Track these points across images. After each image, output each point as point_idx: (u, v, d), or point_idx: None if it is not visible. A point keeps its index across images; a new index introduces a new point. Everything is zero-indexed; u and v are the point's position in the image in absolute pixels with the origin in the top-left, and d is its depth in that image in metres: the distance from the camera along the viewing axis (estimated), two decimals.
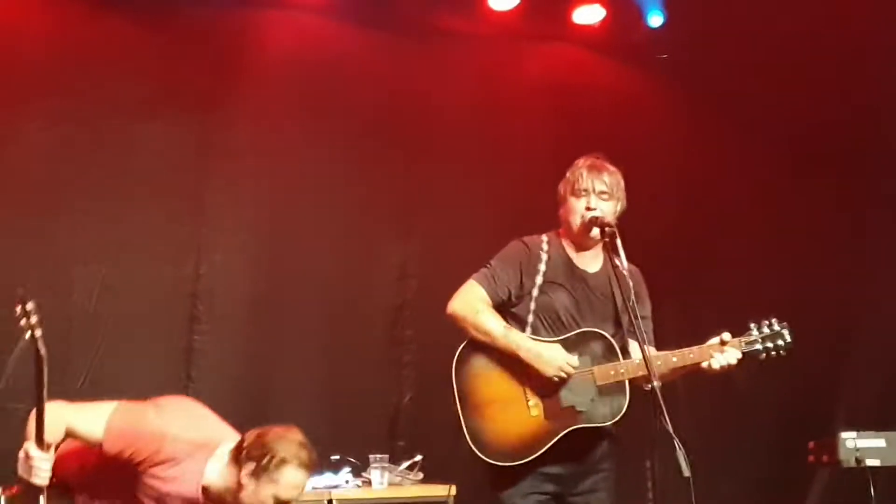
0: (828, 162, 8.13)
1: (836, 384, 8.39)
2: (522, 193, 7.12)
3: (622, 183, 4.08)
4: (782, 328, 3.94)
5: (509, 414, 3.89)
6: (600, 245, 4.05)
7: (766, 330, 3.93)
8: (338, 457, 5.97)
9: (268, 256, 7.38)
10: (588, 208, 3.99)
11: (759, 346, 3.92)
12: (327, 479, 5.83)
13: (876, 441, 5.10)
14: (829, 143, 8.10)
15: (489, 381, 3.92)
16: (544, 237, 4.09)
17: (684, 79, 8.16)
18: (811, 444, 5.46)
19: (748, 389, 7.82)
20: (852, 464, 5.10)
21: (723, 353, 3.90)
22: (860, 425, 5.38)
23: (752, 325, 3.95)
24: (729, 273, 8.00)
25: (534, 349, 3.84)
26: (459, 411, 3.89)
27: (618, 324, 4.01)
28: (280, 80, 7.33)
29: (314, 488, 5.70)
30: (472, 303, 3.92)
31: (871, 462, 5.08)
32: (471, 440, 3.86)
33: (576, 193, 4.03)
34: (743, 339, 3.95)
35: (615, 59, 8.25)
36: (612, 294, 4.02)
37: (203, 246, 7.19)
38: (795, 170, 8.20)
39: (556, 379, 3.82)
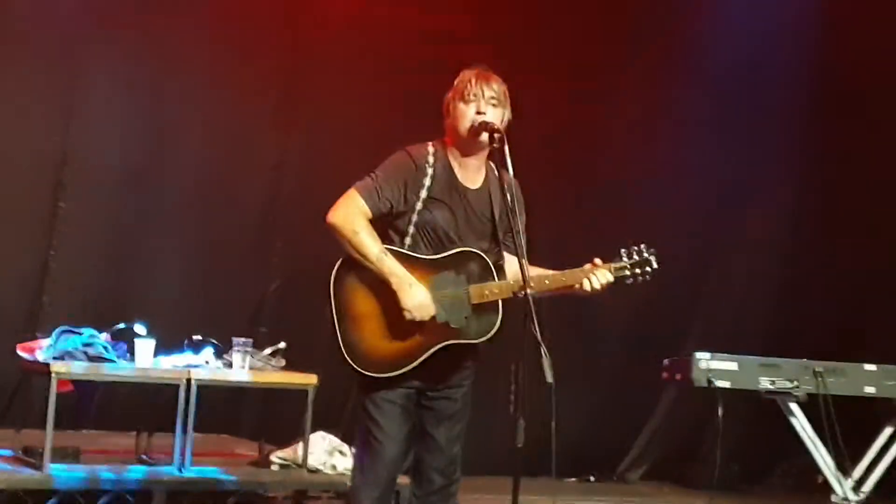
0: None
1: (694, 307, 8.69)
2: (407, 100, 7.05)
3: (507, 93, 4.07)
4: (650, 254, 4.01)
5: (385, 327, 3.91)
6: (484, 157, 4.05)
7: (635, 256, 4.02)
8: (200, 337, 5.91)
9: (142, 131, 7.21)
10: (479, 112, 3.97)
11: (627, 272, 4.01)
12: (187, 357, 5.78)
13: (728, 364, 5.30)
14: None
15: (366, 294, 3.92)
16: (430, 148, 4.05)
17: None
18: (665, 362, 5.64)
19: (609, 306, 8.07)
20: (703, 384, 5.29)
21: (593, 276, 3.98)
22: (711, 348, 5.56)
23: (622, 251, 4.03)
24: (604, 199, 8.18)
25: (403, 282, 3.87)
26: (336, 322, 3.90)
27: (494, 241, 4.05)
28: None
29: (174, 366, 5.66)
30: (351, 218, 3.88)
31: (722, 384, 5.28)
32: (345, 351, 3.88)
33: (465, 99, 3.99)
34: (613, 264, 4.02)
35: None
36: (492, 211, 4.05)
37: (75, 112, 6.97)
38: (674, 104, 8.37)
39: (406, 317, 3.86)
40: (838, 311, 8.32)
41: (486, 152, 4.05)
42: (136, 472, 5.55)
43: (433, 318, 3.89)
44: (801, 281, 8.55)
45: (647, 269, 4.01)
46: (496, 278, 3.94)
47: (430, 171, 3.98)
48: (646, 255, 4.01)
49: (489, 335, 3.92)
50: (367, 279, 3.92)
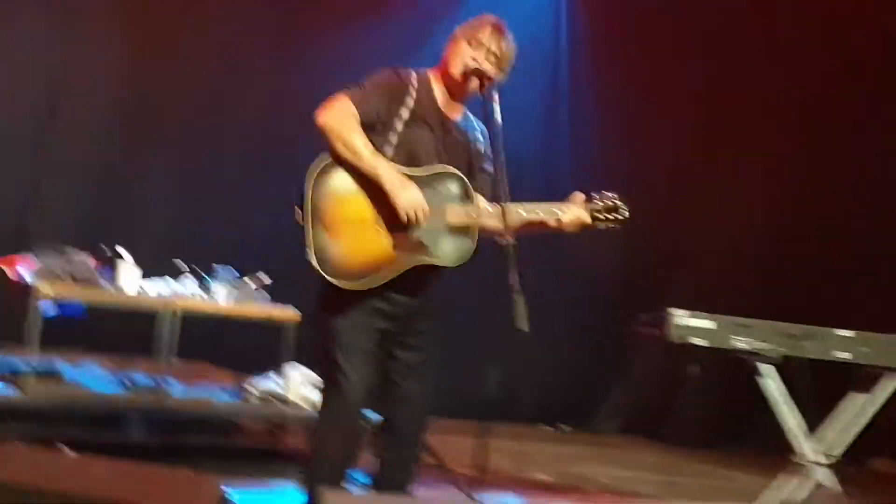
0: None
1: (677, 267, 8.76)
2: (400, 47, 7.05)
3: (513, 59, 4.05)
4: (623, 203, 4.02)
5: (359, 237, 3.83)
6: (464, 100, 4.04)
7: (609, 202, 4.03)
8: (185, 264, 5.94)
9: (136, 61, 7.22)
10: (474, 59, 3.96)
11: (601, 216, 4.03)
12: (172, 285, 5.81)
13: (704, 322, 5.33)
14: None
15: (344, 201, 3.83)
16: (414, 73, 4.03)
17: None
18: (642, 317, 5.67)
19: (591, 258, 8.14)
20: (678, 340, 5.32)
21: (569, 212, 3.98)
22: (691, 307, 5.62)
23: (596, 197, 4.05)
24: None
25: (397, 182, 3.83)
26: (309, 225, 3.83)
27: (470, 174, 4.04)
28: None
29: (159, 294, 5.70)
30: (345, 118, 3.81)
31: (697, 341, 5.32)
32: (315, 256, 3.83)
33: (471, 41, 3.97)
34: (589, 205, 4.04)
35: None
36: (469, 146, 4.04)
37: (70, 40, 6.99)
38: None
39: (403, 218, 3.83)
40: (821, 280, 8.39)
41: (467, 96, 4.04)
42: (116, 394, 5.61)
43: (408, 234, 3.87)
44: (785, 248, 8.62)
45: (617, 216, 4.02)
46: (474, 201, 3.94)
47: (413, 91, 3.96)
48: (617, 202, 4.02)
49: (462, 261, 3.89)
50: (351, 186, 3.85)
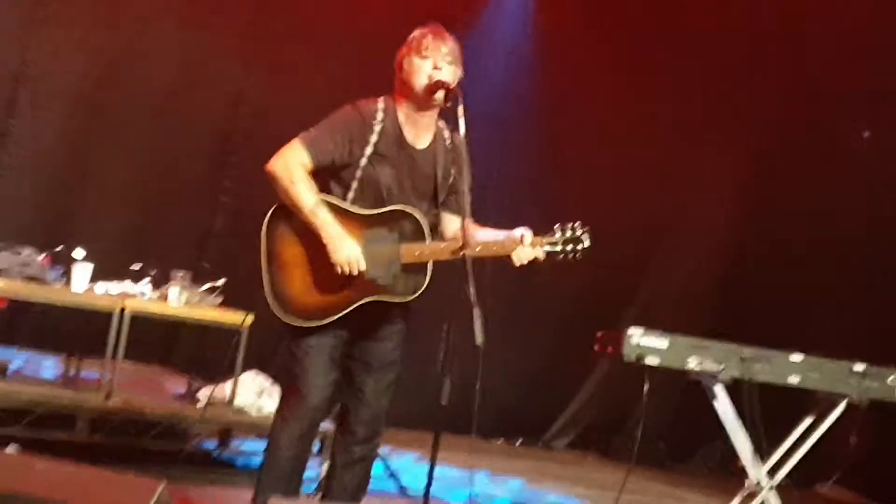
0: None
1: (637, 286, 8.80)
2: (370, 44, 7.03)
3: (460, 51, 4.07)
4: (583, 233, 3.97)
5: (310, 278, 3.92)
6: (434, 115, 4.04)
7: (568, 233, 4.01)
8: (139, 266, 5.87)
9: (100, 56, 7.14)
10: (436, 67, 3.96)
11: (558, 248, 3.98)
12: (124, 286, 5.74)
13: (659, 341, 5.34)
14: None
15: (296, 244, 3.92)
16: (380, 104, 4.02)
17: None
18: (599, 335, 5.68)
19: (551, 275, 8.15)
20: (633, 359, 5.34)
21: (522, 252, 3.97)
22: (649, 326, 5.63)
23: (556, 227, 4.02)
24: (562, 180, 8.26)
25: (334, 237, 3.87)
26: (264, 268, 3.91)
27: (434, 202, 4.06)
28: None
29: (108, 293, 5.63)
30: (290, 168, 3.87)
31: (651, 360, 5.33)
32: (272, 297, 3.90)
33: (420, 54, 3.98)
34: (545, 238, 4.01)
35: None
36: (435, 172, 4.05)
37: (34, 31, 6.90)
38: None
39: (338, 271, 3.87)
40: (779, 302, 8.45)
41: (437, 110, 4.04)
42: (62, 395, 5.53)
43: (361, 273, 3.90)
44: (745, 271, 8.68)
45: (579, 246, 3.98)
46: (428, 239, 3.95)
47: (377, 127, 3.97)
48: (578, 232, 3.99)
49: (415, 296, 3.93)
50: (300, 228, 3.91)
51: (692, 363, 5.42)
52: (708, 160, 8.63)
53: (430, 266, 3.92)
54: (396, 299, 3.95)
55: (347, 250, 3.88)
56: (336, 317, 3.91)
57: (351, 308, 3.91)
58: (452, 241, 3.91)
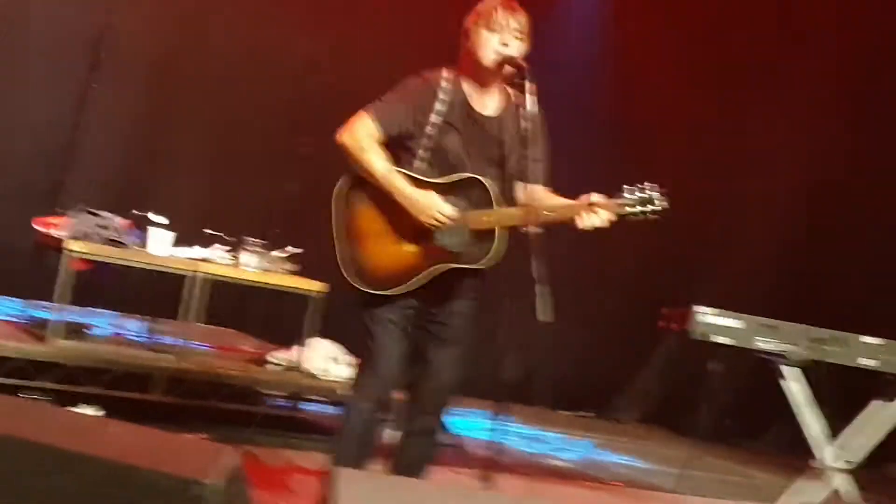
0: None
1: (701, 259, 8.71)
2: (442, 10, 7.02)
3: (530, 25, 4.02)
4: (656, 193, 3.81)
5: (383, 247, 3.93)
6: (501, 85, 4.02)
7: (638, 194, 3.85)
8: (214, 232, 5.97)
9: (179, 24, 7.24)
10: (504, 44, 3.93)
11: (629, 210, 3.81)
12: (200, 251, 5.85)
13: (727, 320, 5.32)
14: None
15: (367, 213, 3.94)
16: (444, 74, 4.01)
17: None
18: (664, 311, 5.66)
19: (619, 249, 8.13)
20: (700, 337, 5.31)
21: (594, 214, 3.87)
22: (714, 302, 5.59)
23: (626, 188, 3.95)
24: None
25: (410, 196, 3.87)
26: (336, 237, 3.94)
27: (503, 168, 4.03)
28: None
29: (186, 258, 5.74)
30: (359, 138, 3.88)
31: (718, 339, 5.31)
32: (345, 266, 3.92)
33: (490, 27, 3.94)
34: (615, 200, 3.89)
35: None
36: (504, 139, 4.03)
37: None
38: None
39: (427, 225, 3.88)
40: (847, 282, 8.32)
41: (501, 84, 4.03)
42: (139, 356, 5.67)
43: (432, 242, 3.91)
44: (813, 247, 8.56)
45: (650, 207, 3.83)
46: (498, 206, 3.93)
47: (443, 96, 3.95)
48: (650, 193, 3.86)
49: (484, 262, 3.90)
50: (372, 197, 3.93)
51: (760, 343, 5.40)
52: (777, 134, 8.50)
53: (499, 233, 3.91)
54: (466, 266, 3.93)
55: (428, 203, 3.88)
56: (409, 284, 3.92)
57: (423, 275, 3.93)
58: (520, 207, 3.88)
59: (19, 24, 6.75)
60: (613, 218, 3.88)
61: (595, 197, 3.87)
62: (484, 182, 3.93)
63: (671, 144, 8.30)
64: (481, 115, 4.01)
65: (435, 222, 3.88)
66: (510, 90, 4.03)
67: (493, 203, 3.92)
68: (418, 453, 4.16)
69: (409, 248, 3.95)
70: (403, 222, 3.94)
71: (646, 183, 3.91)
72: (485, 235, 3.92)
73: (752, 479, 7.48)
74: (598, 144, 8.21)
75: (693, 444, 7.02)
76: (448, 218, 3.87)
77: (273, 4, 7.37)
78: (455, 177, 3.96)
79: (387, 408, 4.17)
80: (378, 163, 3.91)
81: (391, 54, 6.79)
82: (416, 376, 4.15)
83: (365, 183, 3.95)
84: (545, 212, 3.85)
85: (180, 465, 2.93)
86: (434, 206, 3.88)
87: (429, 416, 4.15)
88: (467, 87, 4.00)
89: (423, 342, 4.09)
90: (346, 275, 3.93)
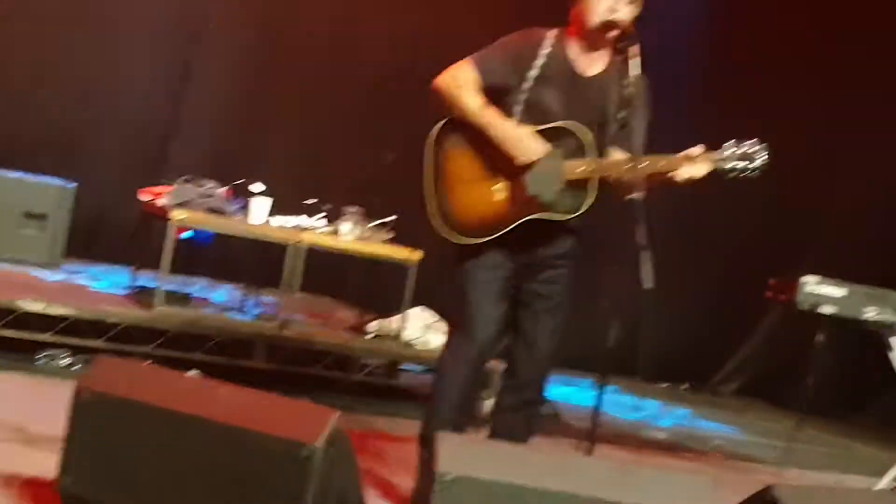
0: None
1: (808, 228, 8.53)
2: None
3: None
4: (757, 149, 3.73)
5: (474, 194, 3.86)
6: (608, 49, 3.95)
7: (740, 149, 3.74)
8: (313, 201, 6.02)
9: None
10: (612, 9, 3.86)
11: (730, 165, 3.72)
12: (300, 219, 5.90)
13: (835, 290, 5.19)
14: None
15: (460, 160, 3.87)
16: (549, 32, 3.95)
17: None
18: (771, 281, 5.54)
19: (722, 215, 7.99)
20: (807, 308, 5.20)
21: (692, 164, 3.76)
22: (822, 271, 5.48)
23: (727, 143, 3.77)
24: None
25: (504, 129, 3.80)
26: (429, 186, 3.86)
27: (601, 131, 3.95)
28: None
29: (283, 226, 5.80)
30: (457, 79, 3.83)
31: (826, 309, 5.19)
32: (437, 215, 3.84)
33: None
34: (715, 153, 3.76)
35: None
36: (605, 101, 3.95)
37: None
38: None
39: (521, 161, 3.80)
40: None
41: (610, 46, 3.95)
42: (240, 323, 5.75)
43: (524, 189, 3.85)
44: None
45: (753, 163, 3.74)
46: (592, 156, 3.85)
47: (544, 52, 3.89)
48: (752, 149, 3.76)
49: (577, 214, 3.83)
50: (464, 142, 3.86)
51: (869, 313, 5.26)
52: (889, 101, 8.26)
53: (593, 184, 3.84)
54: (558, 217, 3.85)
55: (522, 135, 3.79)
56: (499, 233, 3.84)
57: (514, 225, 3.84)
58: (617, 159, 3.80)
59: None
60: (710, 168, 3.78)
61: (694, 150, 3.81)
62: (580, 133, 3.84)
63: (779, 109, 8.09)
64: (584, 76, 3.94)
65: (528, 158, 3.81)
66: (617, 57, 3.95)
67: (588, 153, 3.84)
68: (519, 427, 4.08)
69: (501, 196, 3.85)
70: (496, 168, 3.85)
71: (750, 139, 3.81)
72: (578, 187, 3.83)
73: (856, 453, 7.35)
74: (701, 110, 8.04)
75: (794, 416, 6.90)
76: (543, 156, 3.79)
77: None
78: (552, 125, 3.86)
79: (483, 374, 4.10)
80: (473, 99, 3.82)
81: (478, 25, 6.76)
82: (511, 345, 4.09)
83: (457, 128, 3.86)
84: (641, 165, 3.74)
85: (289, 428, 2.97)
86: (537, 146, 3.82)
87: (527, 389, 4.08)
88: (572, 48, 3.93)
89: (518, 311, 4.03)
90: (435, 225, 3.85)
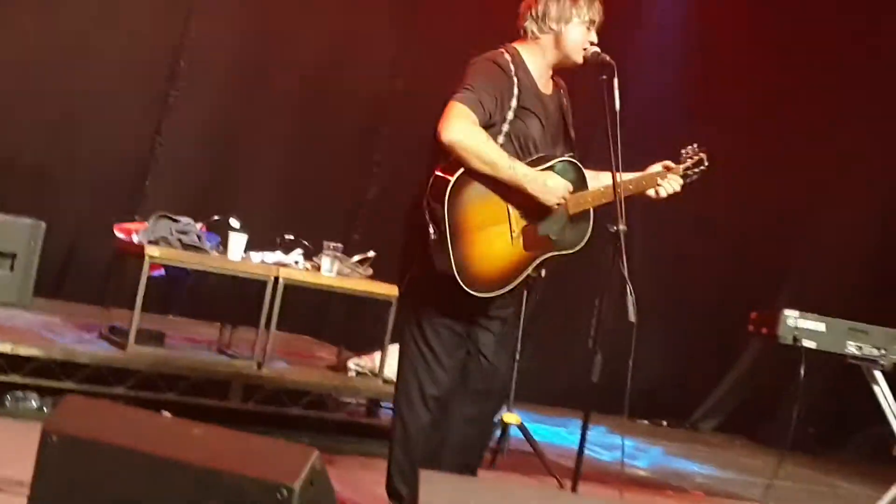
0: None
1: (787, 263, 8.54)
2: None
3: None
4: (702, 152, 4.06)
5: (493, 243, 3.77)
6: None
7: (693, 156, 4.04)
8: (292, 237, 5.96)
9: (256, 29, 7.28)
10: (592, 43, 3.88)
11: (690, 172, 4.04)
12: (278, 256, 5.83)
13: (816, 324, 5.17)
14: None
15: (477, 211, 3.74)
16: (507, 55, 3.90)
17: None
18: (753, 314, 5.52)
19: (701, 252, 7.98)
20: (789, 341, 5.18)
21: (667, 183, 3.98)
22: (801, 306, 5.48)
23: (683, 152, 4.05)
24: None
25: (540, 180, 3.77)
26: (447, 240, 3.67)
27: (567, 145, 3.98)
28: None
29: (263, 262, 5.73)
30: (474, 131, 3.68)
31: (808, 343, 5.17)
32: (455, 270, 3.67)
33: (582, 19, 3.86)
34: (681, 165, 4.02)
35: None
36: (564, 118, 3.99)
37: (195, 6, 7.07)
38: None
39: (556, 206, 3.80)
40: None
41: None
42: (216, 362, 5.67)
43: (536, 231, 3.82)
44: None
45: (701, 168, 4.05)
46: (588, 186, 3.90)
47: (515, 80, 3.87)
48: (700, 154, 4.05)
49: (582, 244, 3.90)
50: (479, 196, 3.75)
51: (851, 347, 5.24)
52: (865, 133, 8.31)
53: (587, 215, 3.89)
54: (566, 252, 3.90)
55: (556, 184, 3.79)
56: (517, 281, 3.82)
57: (530, 269, 3.83)
58: (606, 186, 3.83)
59: (101, 34, 6.81)
60: (678, 187, 3.99)
61: (669, 163, 4.00)
62: (576, 163, 3.89)
63: (751, 144, 8.12)
64: (546, 95, 3.98)
65: (563, 201, 3.80)
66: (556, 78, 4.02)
67: (586, 183, 3.88)
68: (468, 441, 4.07)
69: (517, 242, 3.81)
70: (512, 215, 3.80)
71: (694, 145, 4.06)
72: (578, 218, 3.87)
73: (838, 489, 7.31)
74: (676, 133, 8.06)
75: (774, 453, 6.87)
76: (536, 230, 3.81)
77: (350, 9, 7.35)
78: (555, 160, 3.87)
79: (446, 412, 4.05)
80: (499, 153, 3.73)
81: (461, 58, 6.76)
82: (465, 361, 4.02)
83: (473, 180, 3.74)
84: (629, 185, 3.87)
85: (266, 468, 2.89)
86: (562, 186, 3.81)
87: (480, 403, 4.05)
88: (533, 68, 3.92)
89: (479, 340, 3.99)
90: (458, 278, 3.68)
